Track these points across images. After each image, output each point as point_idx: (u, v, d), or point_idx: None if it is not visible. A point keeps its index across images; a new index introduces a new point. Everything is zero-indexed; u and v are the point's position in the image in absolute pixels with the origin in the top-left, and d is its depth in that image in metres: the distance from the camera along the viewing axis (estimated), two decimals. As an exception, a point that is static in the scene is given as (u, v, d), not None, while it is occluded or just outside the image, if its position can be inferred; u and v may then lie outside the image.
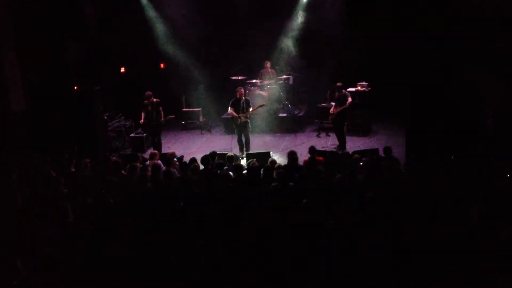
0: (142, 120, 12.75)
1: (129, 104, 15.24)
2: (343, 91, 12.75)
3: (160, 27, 15.87)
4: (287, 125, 14.76)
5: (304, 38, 15.65)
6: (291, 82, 15.24)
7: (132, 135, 13.95)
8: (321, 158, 9.62)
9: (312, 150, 9.73)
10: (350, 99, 12.67)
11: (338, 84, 12.78)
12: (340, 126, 12.77)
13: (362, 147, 12.23)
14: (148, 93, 12.58)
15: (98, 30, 11.83)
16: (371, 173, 8.01)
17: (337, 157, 9.59)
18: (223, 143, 13.62)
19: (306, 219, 6.47)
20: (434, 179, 7.95)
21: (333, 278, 5.32)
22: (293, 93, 15.52)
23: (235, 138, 12.65)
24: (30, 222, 6.95)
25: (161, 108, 12.63)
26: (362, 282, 5.31)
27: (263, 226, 6.44)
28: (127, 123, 14.59)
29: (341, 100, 12.64)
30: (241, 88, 12.57)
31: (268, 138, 14.14)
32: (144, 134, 13.55)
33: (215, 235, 6.20)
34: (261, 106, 12.93)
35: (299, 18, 15.48)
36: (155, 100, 12.56)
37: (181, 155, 10.94)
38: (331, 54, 15.13)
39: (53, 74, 11.51)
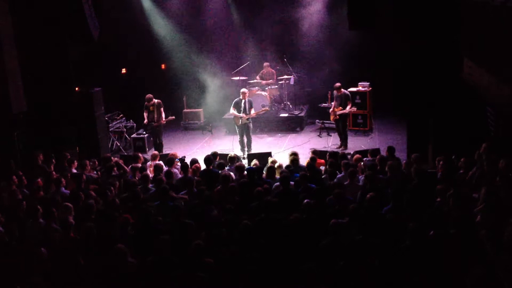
0: (145, 121, 12.76)
1: (130, 105, 15.27)
2: (342, 90, 12.74)
3: (161, 28, 15.90)
4: (288, 125, 14.77)
5: (305, 38, 15.67)
6: (291, 82, 15.25)
7: (133, 136, 13.96)
8: (322, 161, 9.64)
9: (314, 152, 9.76)
10: (350, 105, 12.57)
11: (337, 84, 12.77)
12: (343, 126, 12.73)
13: (364, 147, 12.25)
14: (149, 95, 12.62)
15: (99, 31, 11.80)
16: (373, 172, 8.01)
17: (339, 157, 9.58)
18: (224, 144, 13.62)
19: (307, 219, 6.49)
20: (437, 178, 7.96)
21: (332, 278, 5.32)
22: (294, 93, 15.52)
23: (237, 138, 12.66)
24: (33, 223, 6.97)
25: (162, 109, 12.65)
26: (362, 282, 5.30)
27: (264, 226, 6.45)
28: (128, 124, 14.61)
29: (341, 99, 12.61)
30: (245, 90, 12.56)
31: (269, 138, 14.16)
32: (146, 135, 13.55)
33: (217, 235, 6.20)
34: (264, 110, 12.94)
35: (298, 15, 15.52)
36: (156, 101, 12.59)
37: (182, 155, 10.95)
38: (332, 54, 15.15)
39: (54, 75, 11.49)
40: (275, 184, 8.11)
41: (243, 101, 12.28)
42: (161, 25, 15.88)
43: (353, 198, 7.45)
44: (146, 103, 12.62)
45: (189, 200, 7.79)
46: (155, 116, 12.59)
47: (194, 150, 13.39)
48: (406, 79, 10.77)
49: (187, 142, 14.50)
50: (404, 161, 9.43)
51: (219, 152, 10.59)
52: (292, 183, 7.94)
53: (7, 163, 9.39)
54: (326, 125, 14.17)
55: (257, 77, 15.41)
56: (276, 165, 8.99)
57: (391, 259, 5.56)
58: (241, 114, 12.21)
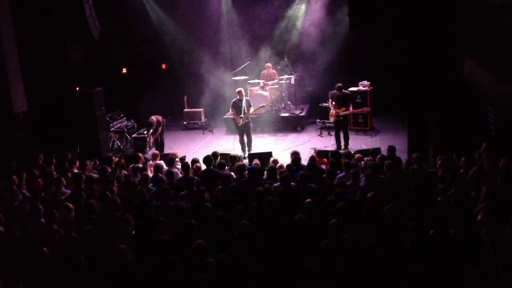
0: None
1: (131, 105, 15.28)
2: (343, 91, 12.73)
3: (161, 27, 15.91)
4: (289, 125, 14.77)
5: (306, 38, 15.67)
6: (292, 82, 15.25)
7: (134, 135, 13.97)
8: (325, 160, 9.64)
9: (315, 152, 9.78)
10: (351, 106, 12.62)
11: (339, 84, 12.76)
12: (344, 127, 12.67)
13: (365, 146, 12.24)
14: (151, 120, 13.20)
15: (99, 31, 11.81)
16: (373, 172, 8.01)
17: (340, 156, 9.57)
18: (225, 143, 13.62)
19: (309, 219, 6.49)
20: (437, 178, 7.96)
21: (333, 278, 5.32)
22: (294, 93, 15.52)
23: (237, 138, 12.67)
24: (34, 223, 6.98)
25: (160, 128, 13.22)
26: (363, 282, 5.30)
27: (264, 226, 6.46)
28: (129, 123, 14.63)
29: (342, 100, 12.58)
30: (241, 90, 12.58)
31: (270, 138, 14.16)
32: (146, 135, 13.57)
33: (218, 235, 6.21)
34: (261, 107, 12.95)
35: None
36: (156, 119, 13.25)
37: (183, 155, 10.96)
38: (332, 54, 15.14)
39: (54, 75, 11.49)
40: (276, 184, 8.10)
41: (241, 101, 12.29)
42: (161, 25, 15.89)
43: (354, 198, 7.45)
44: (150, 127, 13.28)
45: (189, 200, 7.78)
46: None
47: (195, 150, 13.39)
48: (407, 79, 10.76)
49: (187, 142, 14.50)
50: (405, 161, 9.43)
51: (219, 151, 10.58)
52: (293, 183, 7.94)
53: (8, 163, 9.39)
54: (327, 124, 14.16)
55: (259, 77, 15.40)
56: (277, 165, 8.99)
57: (391, 259, 5.56)
58: (241, 115, 12.21)
